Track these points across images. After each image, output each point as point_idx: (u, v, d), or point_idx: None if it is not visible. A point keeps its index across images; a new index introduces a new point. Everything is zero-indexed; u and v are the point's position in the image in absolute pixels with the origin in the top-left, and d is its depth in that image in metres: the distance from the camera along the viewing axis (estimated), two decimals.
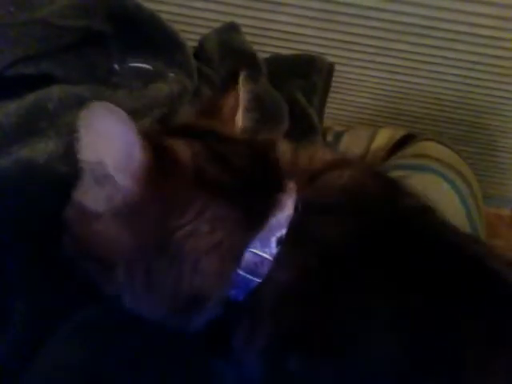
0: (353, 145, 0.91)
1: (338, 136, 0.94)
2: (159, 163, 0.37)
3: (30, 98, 0.50)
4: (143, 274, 0.38)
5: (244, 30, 0.91)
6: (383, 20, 1.04)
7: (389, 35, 1.06)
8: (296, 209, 0.38)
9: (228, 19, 0.93)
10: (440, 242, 0.37)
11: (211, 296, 0.38)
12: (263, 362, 0.37)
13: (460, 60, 1.07)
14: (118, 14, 0.62)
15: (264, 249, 0.37)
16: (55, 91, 0.52)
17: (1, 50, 0.50)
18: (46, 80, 0.54)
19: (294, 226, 0.37)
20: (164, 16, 0.68)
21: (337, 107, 1.13)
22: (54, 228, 0.41)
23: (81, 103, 0.52)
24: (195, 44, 0.86)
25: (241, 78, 0.46)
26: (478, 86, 1.10)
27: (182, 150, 0.39)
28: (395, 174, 0.71)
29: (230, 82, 0.46)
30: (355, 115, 1.17)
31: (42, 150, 0.47)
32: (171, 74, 0.67)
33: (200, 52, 0.86)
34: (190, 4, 1.05)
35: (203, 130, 0.42)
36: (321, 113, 0.98)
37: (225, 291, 0.38)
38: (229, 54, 0.84)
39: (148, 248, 0.38)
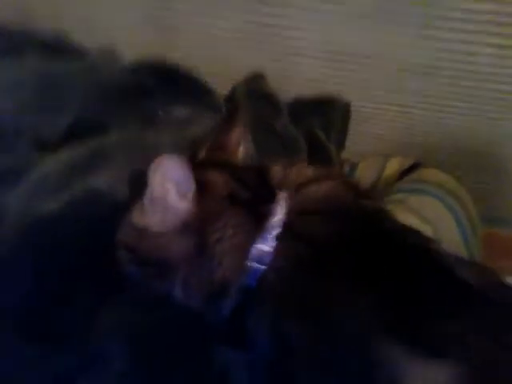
0: (366, 174, 1.03)
1: (353, 167, 1.06)
2: (202, 190, 0.51)
3: (93, 141, 0.65)
4: (189, 270, 0.51)
5: (270, 75, 1.06)
6: (394, 60, 1.16)
7: (400, 74, 1.18)
8: (288, 213, 0.51)
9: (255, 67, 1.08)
10: (398, 238, 0.49)
11: (234, 283, 0.50)
12: (271, 337, 0.49)
13: (465, 94, 1.18)
14: (160, 72, 0.78)
15: (265, 244, 0.49)
16: (111, 136, 0.68)
17: (72, 106, 0.66)
18: (104, 127, 0.70)
19: (286, 225, 0.50)
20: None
21: (355, 140, 1.24)
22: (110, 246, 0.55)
23: (131, 145, 0.68)
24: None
25: (241, 117, 0.60)
26: (481, 115, 1.20)
27: (217, 179, 0.53)
28: (396, 196, 0.83)
29: (232, 119, 0.60)
30: (371, 147, 1.28)
31: (103, 180, 0.61)
32: (206, 117, 0.81)
33: (231, 98, 1.01)
34: (224, 57, 1.21)
35: (222, 161, 0.56)
36: (340, 146, 1.11)
37: (243, 279, 0.50)
38: (253, 97, 0.99)
39: (194, 250, 0.51)
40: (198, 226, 0.51)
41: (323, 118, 1.08)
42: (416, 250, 0.48)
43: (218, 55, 1.22)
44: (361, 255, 0.48)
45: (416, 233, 0.51)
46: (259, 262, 0.49)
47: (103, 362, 0.52)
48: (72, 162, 0.62)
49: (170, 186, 0.50)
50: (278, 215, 0.51)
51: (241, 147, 0.60)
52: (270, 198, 0.52)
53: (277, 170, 0.56)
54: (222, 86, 1.01)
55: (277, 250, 0.49)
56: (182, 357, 0.54)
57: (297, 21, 1.17)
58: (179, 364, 0.54)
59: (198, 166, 0.55)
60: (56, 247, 0.56)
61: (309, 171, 0.56)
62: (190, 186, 0.50)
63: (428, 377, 0.42)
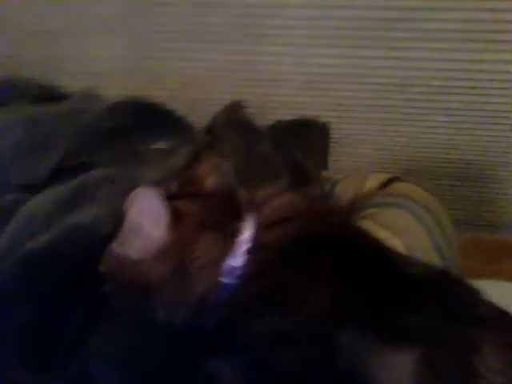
0: (346, 190, 1.07)
1: (334, 184, 1.10)
2: (175, 219, 0.55)
3: (76, 180, 0.70)
4: (168, 293, 0.56)
5: (248, 104, 1.11)
6: (369, 81, 1.22)
7: (376, 94, 1.23)
8: (255, 228, 0.56)
9: (234, 97, 1.13)
10: (354, 241, 0.54)
11: (211, 298, 0.55)
12: (251, 343, 0.53)
13: (441, 108, 1.23)
14: (138, 110, 0.83)
15: (236, 260, 0.55)
16: (93, 174, 0.72)
17: (54, 151, 0.71)
18: (86, 167, 0.75)
19: (254, 240, 0.55)
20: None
21: (337, 158, 1.29)
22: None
23: (113, 181, 0.73)
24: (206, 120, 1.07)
25: (205, 154, 0.65)
26: (460, 127, 1.25)
27: (188, 208, 0.58)
28: (368, 211, 0.87)
29: (198, 158, 0.65)
30: (354, 164, 1.33)
31: (86, 215, 0.66)
32: (182, 149, 0.86)
33: (211, 127, 1.06)
34: (202, 88, 1.27)
35: (192, 192, 0.61)
36: (321, 166, 1.16)
37: (218, 294, 0.55)
38: (233, 126, 1.04)
39: (170, 274, 0.56)
40: (173, 251, 0.56)
41: (303, 140, 1.13)
42: (366, 246, 0.54)
43: (198, 89, 1.28)
44: (319, 255, 0.53)
45: (365, 232, 0.56)
46: (231, 276, 0.55)
47: None
48: (57, 201, 0.67)
49: (146, 217, 0.55)
50: (247, 232, 0.56)
51: (210, 178, 0.65)
52: (238, 218, 0.58)
53: (243, 193, 0.62)
54: (202, 115, 1.07)
55: (246, 263, 0.54)
56: (170, 375, 0.58)
57: (271, 49, 1.23)
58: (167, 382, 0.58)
59: (171, 197, 0.60)
60: (43, 282, 0.61)
61: (270, 191, 0.63)
62: (165, 217, 0.55)
63: (394, 363, 0.47)
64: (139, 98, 0.84)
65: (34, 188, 0.71)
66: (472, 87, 1.19)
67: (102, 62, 1.31)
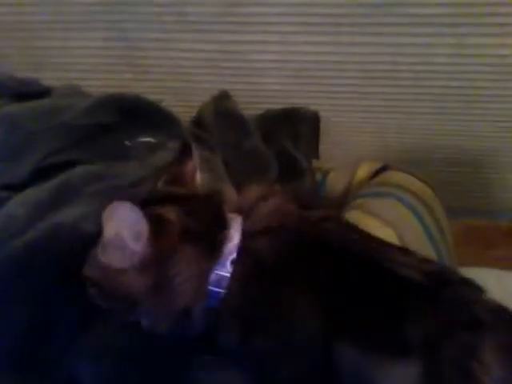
0: (337, 180, 1.06)
1: (325, 174, 1.09)
2: (156, 229, 0.53)
3: (59, 177, 0.69)
4: (151, 303, 0.55)
5: (236, 94, 1.09)
6: (355, 69, 1.20)
7: (362, 82, 1.22)
8: (242, 236, 0.54)
9: (221, 87, 1.12)
10: (344, 248, 0.53)
11: (196, 307, 0.54)
12: (241, 349, 0.53)
13: (428, 94, 1.22)
14: (122, 106, 0.81)
15: (223, 269, 0.53)
16: (77, 171, 0.71)
17: (37, 149, 0.69)
18: (70, 165, 0.73)
19: (241, 249, 0.53)
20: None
21: (327, 147, 1.28)
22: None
23: (98, 177, 0.71)
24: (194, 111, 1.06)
25: (193, 149, 0.63)
26: (447, 113, 1.24)
27: (170, 216, 0.55)
28: (358, 201, 0.86)
29: (185, 153, 0.63)
30: (344, 152, 1.32)
31: (69, 214, 0.64)
32: (170, 144, 0.85)
33: (199, 119, 1.05)
34: (188, 78, 1.25)
35: (176, 194, 0.59)
36: (311, 155, 1.14)
37: (205, 303, 0.54)
38: (221, 119, 1.02)
39: (153, 286, 0.54)
40: (154, 263, 0.54)
41: (292, 130, 1.12)
42: (353, 255, 0.53)
43: (184, 79, 1.26)
44: (309, 265, 0.52)
45: (356, 236, 0.56)
46: (219, 285, 0.53)
47: None
48: (38, 200, 0.65)
49: (125, 231, 0.52)
50: (234, 240, 0.55)
51: (198, 175, 0.63)
52: (224, 226, 0.56)
53: (230, 195, 0.60)
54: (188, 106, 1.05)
55: (233, 272, 0.53)
56: (156, 377, 0.57)
57: (258, 38, 1.21)
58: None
59: (154, 201, 0.58)
60: (27, 280, 0.59)
61: (256, 191, 0.60)
62: (143, 229, 0.52)
63: (397, 375, 0.46)
64: (124, 94, 0.82)
65: (16, 188, 0.69)
66: (459, 72, 1.18)
67: (85, 53, 1.29)
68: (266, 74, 1.24)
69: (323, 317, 0.49)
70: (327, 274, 0.51)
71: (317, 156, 1.15)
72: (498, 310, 0.51)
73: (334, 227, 0.57)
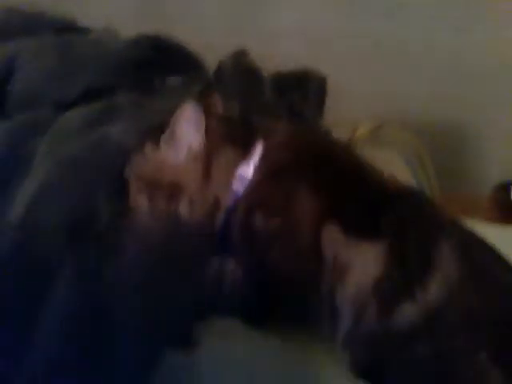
0: (339, 136, 1.17)
1: (329, 131, 1.20)
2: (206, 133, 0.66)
3: (104, 101, 0.79)
4: (194, 189, 0.66)
5: (253, 54, 1.19)
6: (364, 41, 1.31)
7: (369, 52, 1.33)
8: (264, 148, 0.67)
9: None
10: (340, 160, 0.66)
11: (223, 199, 0.66)
12: (241, 231, 0.64)
13: (432, 71, 1.33)
14: (158, 45, 0.92)
15: (248, 167, 0.65)
16: (119, 97, 0.81)
17: (86, 73, 0.80)
18: (110, 91, 0.83)
19: (262, 157, 0.66)
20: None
21: (331, 111, 1.38)
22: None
23: (136, 104, 0.82)
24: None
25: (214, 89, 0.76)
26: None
27: (214, 123, 0.68)
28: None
29: (210, 90, 0.76)
30: (346, 116, 1.41)
31: (113, 130, 0.75)
32: (195, 87, 0.95)
33: (218, 72, 1.15)
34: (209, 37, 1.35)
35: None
36: (318, 114, 1.25)
37: (229, 197, 0.66)
38: (239, 73, 1.12)
39: (200, 174, 0.66)
40: (203, 157, 0.67)
41: (301, 90, 1.22)
42: (351, 165, 0.66)
43: (205, 37, 1.35)
44: (312, 171, 0.65)
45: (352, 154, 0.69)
46: (241, 182, 0.65)
47: None
48: (89, 116, 0.76)
49: (189, 127, 0.66)
50: (258, 150, 0.67)
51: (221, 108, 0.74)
52: (252, 136, 0.68)
53: (256, 119, 0.73)
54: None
55: (254, 171, 0.66)
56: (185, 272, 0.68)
57: (276, 5, 1.31)
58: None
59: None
60: (75, 182, 0.70)
61: (274, 121, 0.75)
62: (203, 127, 0.66)
63: (368, 251, 0.58)
64: (159, 35, 0.92)
65: (65, 107, 0.79)
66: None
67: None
68: (281, 38, 1.34)
69: (319, 203, 0.61)
70: (326, 175, 0.64)
71: (321, 115, 1.26)
72: (455, 219, 0.64)
73: (332, 142, 0.71)
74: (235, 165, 0.66)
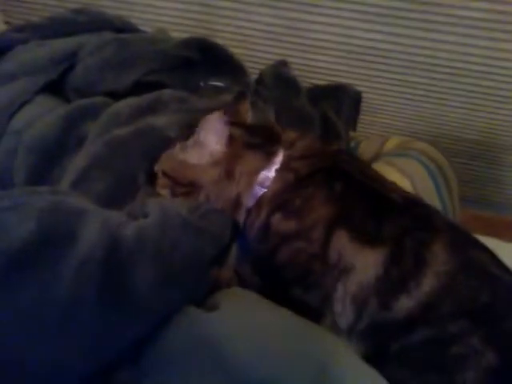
0: (367, 148, 1.22)
1: (357, 143, 1.26)
2: (229, 140, 0.73)
3: (153, 93, 0.88)
4: (211, 189, 0.73)
5: (292, 66, 1.27)
6: (400, 59, 1.37)
7: (405, 70, 1.38)
8: (284, 157, 0.73)
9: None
10: (352, 173, 0.72)
11: (245, 198, 0.73)
12: (262, 224, 0.71)
13: (461, 90, 1.37)
14: (204, 48, 1.00)
15: (269, 173, 0.72)
16: (166, 92, 0.90)
17: (139, 66, 0.89)
18: (160, 86, 0.92)
19: (283, 164, 0.72)
20: None
21: (364, 127, 1.45)
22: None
23: (180, 100, 0.90)
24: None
25: (247, 95, 0.81)
26: (477, 110, 1.39)
27: (237, 132, 0.75)
28: (384, 158, 1.02)
29: (241, 97, 0.81)
30: (379, 133, 1.49)
31: (159, 121, 0.83)
32: (236, 89, 1.03)
33: (260, 79, 1.23)
34: (252, 47, 1.44)
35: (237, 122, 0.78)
36: (349, 126, 1.31)
37: (249, 196, 0.72)
38: (278, 81, 1.20)
39: (219, 177, 0.73)
40: (224, 161, 0.74)
41: (336, 102, 1.29)
42: (356, 177, 0.71)
43: (249, 47, 1.44)
44: (326, 181, 0.70)
45: (361, 165, 0.75)
46: (262, 185, 0.72)
47: None
48: (137, 106, 0.84)
49: (212, 135, 0.73)
50: (279, 157, 0.74)
51: (250, 114, 0.81)
52: (274, 144, 0.75)
53: (279, 129, 0.79)
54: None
55: (275, 178, 0.72)
56: None
57: (320, 19, 1.38)
58: None
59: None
60: (121, 159, 0.78)
61: (295, 134, 0.78)
62: (225, 136, 0.73)
63: (370, 256, 0.64)
64: (206, 38, 1.01)
65: (117, 96, 0.88)
66: (491, 73, 1.34)
67: (165, 12, 1.48)
68: (320, 52, 1.41)
69: (331, 209, 0.68)
70: (338, 186, 0.69)
71: (354, 129, 1.32)
72: (452, 222, 0.70)
73: (346, 158, 0.76)
74: (256, 170, 0.72)
